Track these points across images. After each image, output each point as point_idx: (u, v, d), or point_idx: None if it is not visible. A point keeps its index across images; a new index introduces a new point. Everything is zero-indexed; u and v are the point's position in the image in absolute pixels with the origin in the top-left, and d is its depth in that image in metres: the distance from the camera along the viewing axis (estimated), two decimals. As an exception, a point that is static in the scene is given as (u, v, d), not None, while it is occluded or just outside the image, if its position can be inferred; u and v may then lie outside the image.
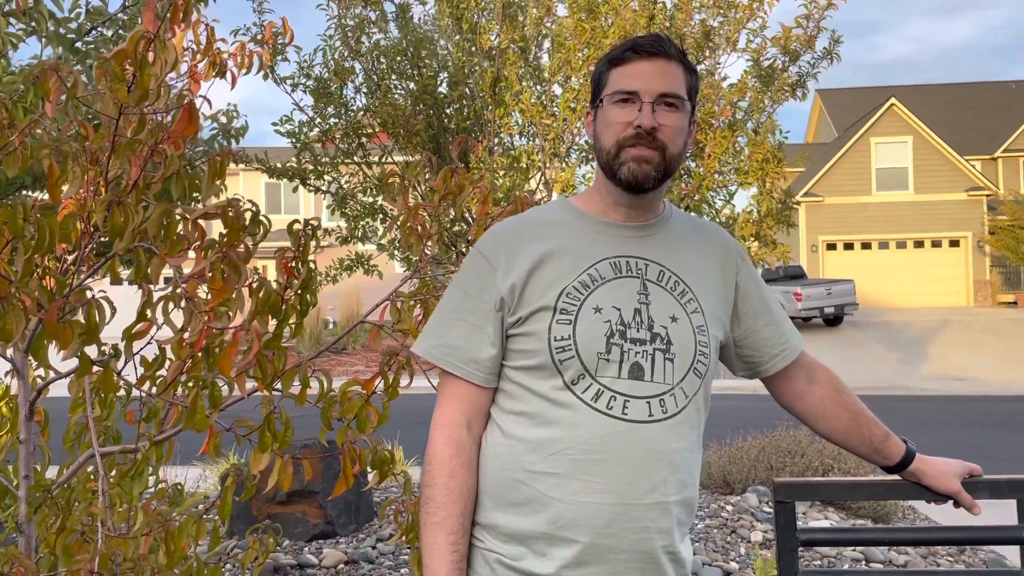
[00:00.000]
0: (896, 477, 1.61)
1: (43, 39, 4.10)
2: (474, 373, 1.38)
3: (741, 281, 1.50)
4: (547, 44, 5.36)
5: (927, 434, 9.18)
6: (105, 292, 1.78)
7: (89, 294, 1.75)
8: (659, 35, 1.41)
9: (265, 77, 4.73)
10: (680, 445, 1.34)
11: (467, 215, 4.88)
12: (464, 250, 5.03)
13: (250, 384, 2.01)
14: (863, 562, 4.14)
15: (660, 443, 1.32)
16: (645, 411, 1.32)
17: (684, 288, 1.40)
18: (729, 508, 4.84)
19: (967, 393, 13.15)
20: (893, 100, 27.02)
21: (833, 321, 20.81)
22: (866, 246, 27.24)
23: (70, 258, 2.17)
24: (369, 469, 2.21)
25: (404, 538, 2.31)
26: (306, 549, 4.18)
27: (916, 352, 17.39)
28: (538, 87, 5.18)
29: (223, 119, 5.08)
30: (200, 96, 2.39)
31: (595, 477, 1.29)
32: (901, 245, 27.15)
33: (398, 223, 2.53)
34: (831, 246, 27.25)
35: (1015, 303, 25.84)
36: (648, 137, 1.34)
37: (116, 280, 2.41)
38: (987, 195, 26.62)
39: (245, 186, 25.69)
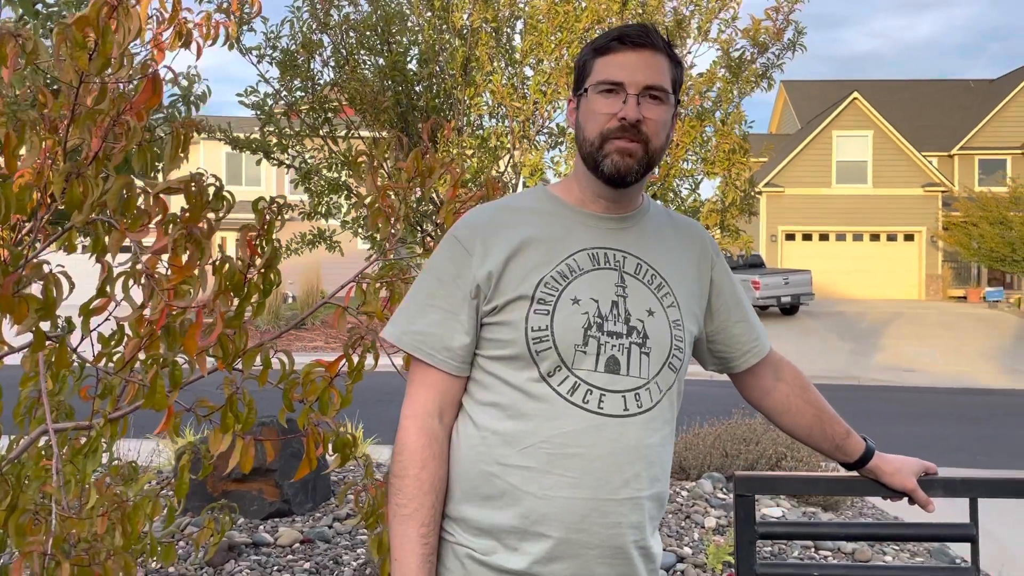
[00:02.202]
0: (854, 473, 1.64)
1: (3, 1, 3.95)
2: (447, 362, 1.35)
3: (716, 276, 1.50)
4: (520, 25, 5.32)
5: (877, 424, 9.40)
6: (64, 267, 1.72)
7: (47, 268, 1.69)
8: (646, 25, 1.38)
9: (231, 48, 4.61)
10: (654, 440, 1.34)
11: (435, 196, 4.83)
12: (431, 231, 4.99)
13: (210, 362, 1.97)
14: (812, 548, 4.24)
15: (634, 438, 1.31)
16: (620, 405, 1.31)
17: (661, 282, 1.40)
18: (684, 494, 4.91)
19: (917, 384, 13.48)
20: (856, 94, 27.41)
21: (789, 310, 21.19)
22: (824, 237, 27.71)
23: (27, 227, 2.10)
24: (331, 452, 2.19)
25: (364, 522, 2.30)
26: (261, 527, 4.14)
27: (868, 343, 17.77)
28: (509, 68, 5.14)
29: (184, 82, 4.95)
30: (164, 66, 2.33)
31: (569, 472, 1.28)
32: (858, 237, 27.68)
33: (365, 203, 2.50)
34: (790, 236, 27.67)
35: (965, 298, 26.53)
36: (632, 130, 1.32)
37: (72, 251, 2.34)
38: (942, 191, 27.22)
39: (206, 156, 25.18)
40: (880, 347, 17.38)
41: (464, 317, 1.35)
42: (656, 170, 5.20)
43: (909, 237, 27.57)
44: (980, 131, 29.54)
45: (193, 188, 1.95)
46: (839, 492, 1.70)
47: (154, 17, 2.31)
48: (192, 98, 5.21)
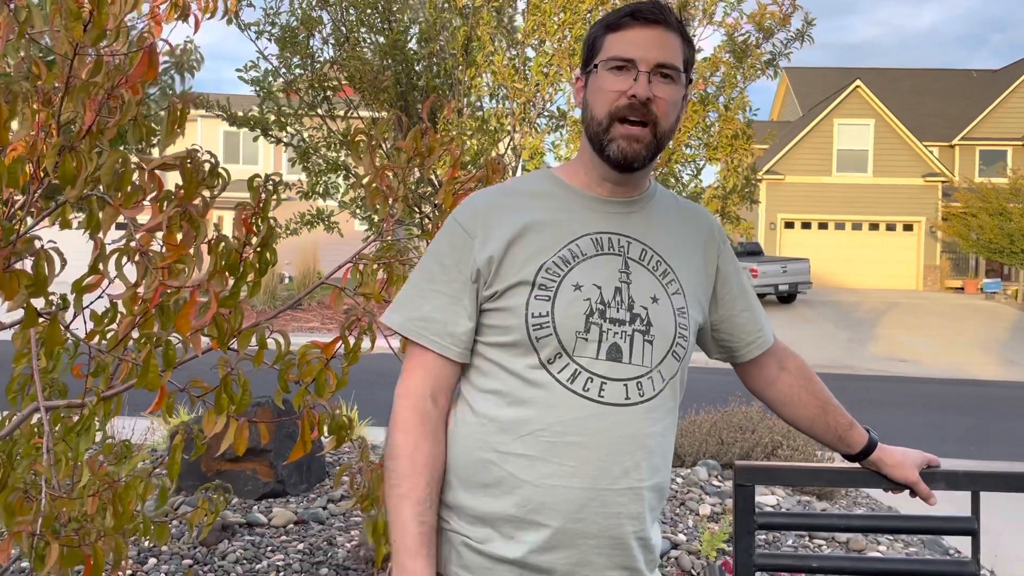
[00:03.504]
0: (856, 465, 1.62)
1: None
2: (450, 347, 1.32)
3: (722, 264, 1.47)
4: (522, 5, 5.25)
5: (871, 413, 9.41)
6: (56, 243, 1.69)
7: (39, 244, 1.66)
8: (659, 2, 1.33)
9: (229, 22, 4.54)
10: (655, 429, 1.31)
11: (433, 177, 4.79)
12: (429, 212, 4.95)
13: (204, 341, 1.94)
14: (806, 536, 4.24)
15: (635, 427, 1.28)
16: (622, 394, 1.28)
17: (666, 268, 1.36)
18: (679, 481, 4.91)
19: (911, 375, 13.50)
20: (858, 82, 27.29)
21: (787, 298, 21.19)
22: (823, 226, 27.68)
23: (19, 200, 2.06)
24: (326, 434, 2.16)
25: (359, 505, 2.28)
26: (255, 508, 4.13)
27: (865, 332, 17.79)
28: (511, 49, 5.08)
29: (177, 51, 4.88)
30: (161, 39, 2.29)
31: (568, 460, 1.26)
32: (857, 227, 27.65)
33: (363, 183, 2.46)
34: (789, 224, 27.63)
35: (962, 289, 26.56)
36: (642, 108, 1.28)
37: (66, 227, 2.31)
38: (943, 181, 27.17)
39: (203, 134, 25.06)
40: (876, 337, 17.40)
41: (467, 302, 1.32)
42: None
43: (908, 227, 27.55)
44: (982, 122, 29.44)
45: (189, 164, 1.91)
46: (841, 483, 1.68)
47: (151, -12, 2.26)
48: (185, 66, 5.13)
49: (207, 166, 1.97)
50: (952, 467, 1.63)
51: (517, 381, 1.29)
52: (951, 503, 1.71)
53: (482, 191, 1.43)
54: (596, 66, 1.33)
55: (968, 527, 1.61)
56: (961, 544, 4.32)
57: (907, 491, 1.62)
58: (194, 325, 1.83)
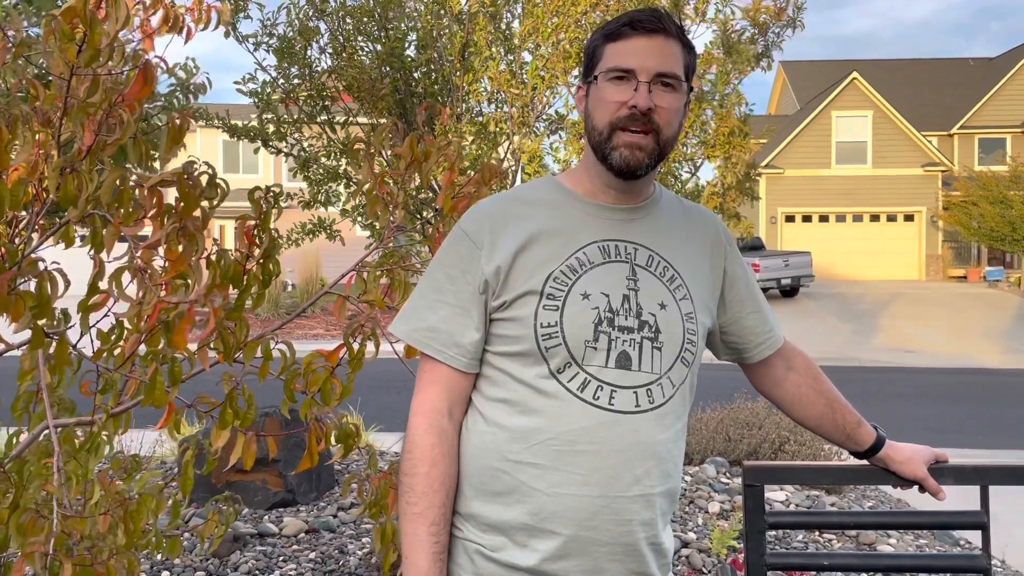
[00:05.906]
0: (864, 462, 1.63)
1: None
2: (457, 358, 1.32)
3: (729, 267, 1.47)
4: (518, 10, 5.26)
5: (877, 404, 9.41)
6: (59, 263, 1.69)
7: (42, 265, 1.67)
8: (658, 9, 1.34)
9: (226, 35, 4.55)
10: (665, 436, 1.31)
11: (434, 182, 4.80)
12: (430, 218, 4.96)
13: (212, 355, 1.95)
14: (816, 531, 4.23)
15: (645, 434, 1.29)
16: (632, 402, 1.28)
17: (673, 274, 1.37)
18: (688, 479, 4.90)
19: (916, 365, 13.47)
20: (855, 74, 27.29)
21: (789, 292, 21.18)
22: (824, 219, 27.67)
23: (24, 218, 2.07)
24: (334, 443, 2.17)
25: (367, 512, 2.29)
26: (266, 517, 4.14)
27: (868, 324, 17.76)
28: (508, 55, 5.09)
29: (181, 74, 4.90)
30: (156, 56, 2.29)
31: (579, 469, 1.26)
32: (858, 218, 27.63)
33: (363, 191, 2.47)
34: (790, 218, 27.62)
35: (965, 278, 26.53)
36: (643, 118, 1.28)
37: (70, 244, 2.31)
38: (942, 171, 27.15)
39: (203, 144, 25.10)
40: (880, 328, 17.38)
41: (475, 313, 1.32)
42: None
43: (909, 217, 27.52)
44: (980, 110, 29.40)
45: (187, 181, 1.91)
46: (849, 481, 1.68)
47: (141, 2, 2.27)
48: (191, 87, 5.16)
49: (204, 178, 1.97)
50: (960, 462, 1.63)
51: (527, 390, 1.29)
52: (962, 492, 1.71)
53: (488, 199, 1.43)
54: (596, 77, 1.33)
55: (977, 521, 1.61)
56: (971, 535, 4.32)
57: (916, 486, 1.62)
58: (199, 339, 1.83)
